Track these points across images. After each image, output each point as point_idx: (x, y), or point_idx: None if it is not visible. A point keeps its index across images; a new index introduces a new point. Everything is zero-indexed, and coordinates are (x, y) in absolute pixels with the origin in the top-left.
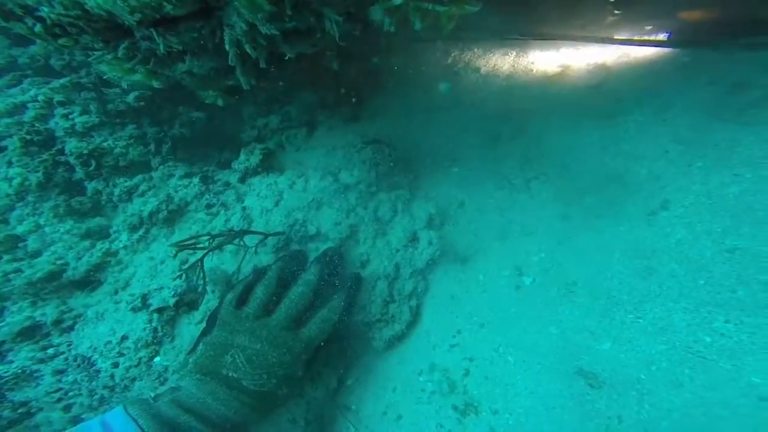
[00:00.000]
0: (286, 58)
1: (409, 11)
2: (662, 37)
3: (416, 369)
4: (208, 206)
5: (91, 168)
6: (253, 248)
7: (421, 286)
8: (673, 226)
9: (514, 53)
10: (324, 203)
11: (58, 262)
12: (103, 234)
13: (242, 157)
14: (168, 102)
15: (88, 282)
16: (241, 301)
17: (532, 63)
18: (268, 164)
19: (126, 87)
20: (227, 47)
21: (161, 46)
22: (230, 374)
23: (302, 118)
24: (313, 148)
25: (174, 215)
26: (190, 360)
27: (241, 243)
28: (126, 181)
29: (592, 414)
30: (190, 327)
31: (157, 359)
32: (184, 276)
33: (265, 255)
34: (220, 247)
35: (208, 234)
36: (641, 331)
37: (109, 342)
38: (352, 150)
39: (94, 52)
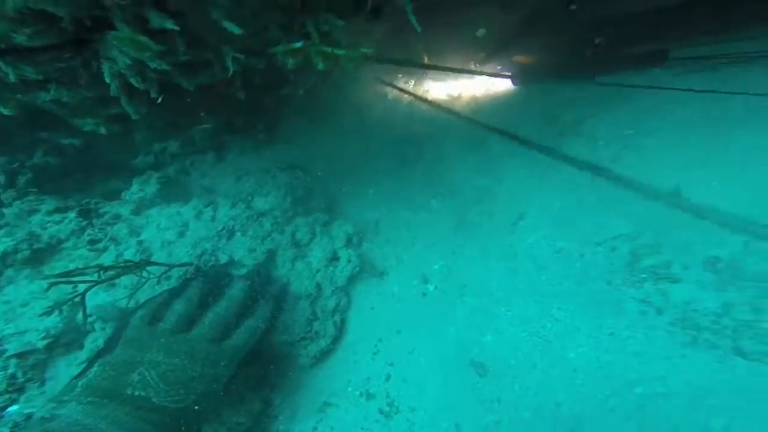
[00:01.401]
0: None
1: (311, 54)
2: (506, 75)
3: (344, 380)
4: (92, 242)
5: None
6: (156, 279)
7: (344, 302)
8: (527, 233)
9: (413, 82)
10: (236, 231)
11: None
12: None
13: (135, 187)
14: (24, 128)
15: None
16: (156, 318)
17: (427, 91)
18: (168, 193)
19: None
20: (107, 80)
21: (11, 75)
22: (137, 393)
23: (208, 142)
24: (223, 174)
25: (41, 254)
26: (79, 383)
27: (142, 276)
28: None
29: (481, 399)
30: (70, 368)
31: (13, 408)
32: (58, 313)
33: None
34: (111, 280)
35: (97, 266)
36: (510, 322)
37: None
38: (267, 176)
39: None
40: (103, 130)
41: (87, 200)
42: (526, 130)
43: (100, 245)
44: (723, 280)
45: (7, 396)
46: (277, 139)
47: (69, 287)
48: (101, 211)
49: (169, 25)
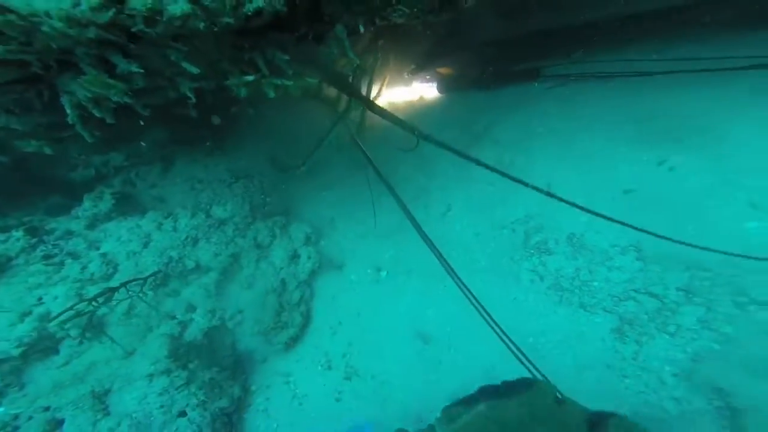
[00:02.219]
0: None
1: (263, 85)
2: (432, 84)
3: (313, 359)
4: (47, 257)
5: None
6: (140, 292)
7: (308, 293)
8: (453, 222)
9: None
10: (200, 239)
11: None
12: None
13: (87, 204)
14: None
15: None
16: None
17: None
18: (123, 207)
19: None
20: (68, 110)
21: None
22: None
23: (155, 153)
24: (173, 184)
25: None
26: (462, 420)
27: (131, 293)
28: None
29: (425, 361)
30: (48, 371)
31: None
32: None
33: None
34: (105, 303)
35: (86, 300)
36: (445, 297)
37: None
38: (222, 185)
39: None
40: (48, 150)
41: (30, 218)
42: (448, 135)
43: (56, 259)
44: (575, 251)
45: None
46: (225, 148)
47: (33, 299)
48: (48, 227)
49: (134, 68)
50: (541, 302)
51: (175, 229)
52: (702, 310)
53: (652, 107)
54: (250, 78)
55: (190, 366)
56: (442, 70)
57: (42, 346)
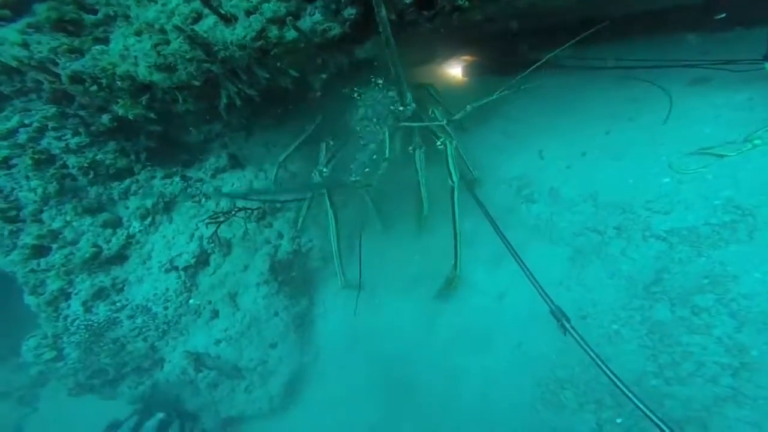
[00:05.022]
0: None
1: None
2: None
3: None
4: (192, 196)
5: (91, 176)
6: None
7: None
8: None
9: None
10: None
11: (94, 246)
12: (116, 224)
13: (212, 159)
14: (131, 121)
15: (119, 258)
16: None
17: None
18: (231, 162)
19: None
20: (224, 99)
21: (180, 100)
22: None
23: (240, 124)
24: (254, 146)
25: (169, 206)
26: None
27: (246, 213)
28: (119, 184)
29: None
30: (206, 277)
31: (191, 301)
32: (201, 241)
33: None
34: (227, 219)
35: (220, 213)
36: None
37: (156, 293)
38: (293, 149)
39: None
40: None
41: (175, 168)
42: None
43: (196, 198)
44: (552, 200)
45: (186, 294)
46: (292, 121)
47: (193, 225)
48: (187, 175)
49: (266, 74)
50: (523, 236)
51: (266, 179)
52: (624, 242)
53: (621, 93)
54: (324, 75)
55: (279, 279)
56: (467, 58)
57: (202, 259)
